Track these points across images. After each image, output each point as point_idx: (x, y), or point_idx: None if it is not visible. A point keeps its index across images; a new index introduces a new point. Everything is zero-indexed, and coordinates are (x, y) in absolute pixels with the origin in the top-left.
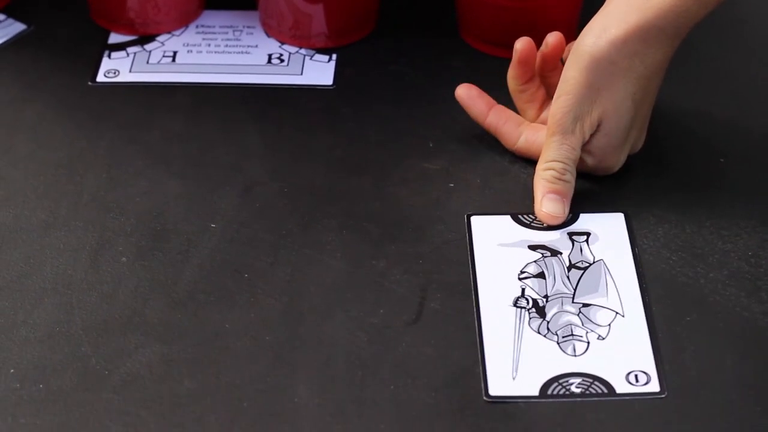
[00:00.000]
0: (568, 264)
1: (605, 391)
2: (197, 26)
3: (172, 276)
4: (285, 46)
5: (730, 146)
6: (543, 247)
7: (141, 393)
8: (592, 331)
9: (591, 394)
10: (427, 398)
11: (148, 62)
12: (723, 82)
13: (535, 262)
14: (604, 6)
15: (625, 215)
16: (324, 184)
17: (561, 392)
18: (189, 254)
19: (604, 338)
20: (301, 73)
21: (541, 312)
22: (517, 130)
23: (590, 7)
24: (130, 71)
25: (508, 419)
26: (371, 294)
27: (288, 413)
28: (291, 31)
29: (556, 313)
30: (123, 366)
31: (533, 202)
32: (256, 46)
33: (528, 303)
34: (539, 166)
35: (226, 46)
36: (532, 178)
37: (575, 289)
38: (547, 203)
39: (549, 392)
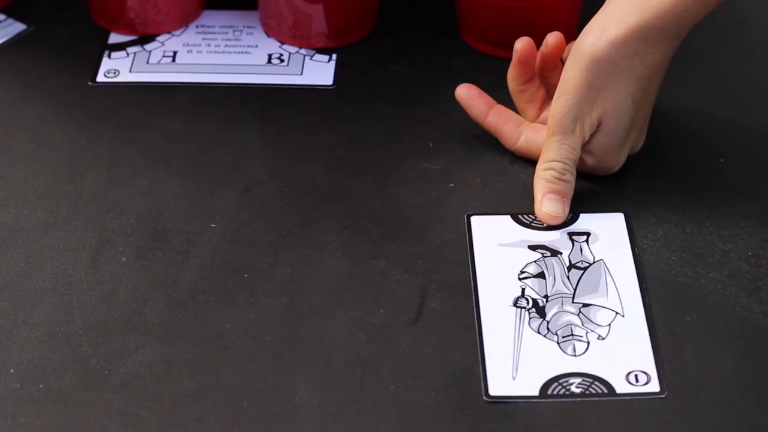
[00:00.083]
0: (568, 264)
1: (605, 391)
2: (197, 26)
3: (172, 276)
4: (285, 46)
5: (730, 146)
6: (543, 247)
7: (141, 393)
8: (592, 331)
9: (591, 394)
10: (427, 398)
11: (148, 62)
12: (723, 82)
13: (535, 262)
14: (604, 6)
15: (625, 215)
16: (324, 184)
17: (561, 392)
18: (189, 254)
19: (604, 338)
20: (301, 73)
21: (541, 312)
22: (517, 130)
23: (590, 7)
24: (130, 71)
25: (508, 419)
26: (371, 294)
27: (288, 413)
28: (291, 31)
29: (556, 313)
30: (123, 366)
31: (533, 202)
32: (256, 46)
33: (528, 303)
34: (539, 166)
35: (226, 46)
36: (532, 178)
37: (575, 289)
38: (547, 203)
39: (549, 392)
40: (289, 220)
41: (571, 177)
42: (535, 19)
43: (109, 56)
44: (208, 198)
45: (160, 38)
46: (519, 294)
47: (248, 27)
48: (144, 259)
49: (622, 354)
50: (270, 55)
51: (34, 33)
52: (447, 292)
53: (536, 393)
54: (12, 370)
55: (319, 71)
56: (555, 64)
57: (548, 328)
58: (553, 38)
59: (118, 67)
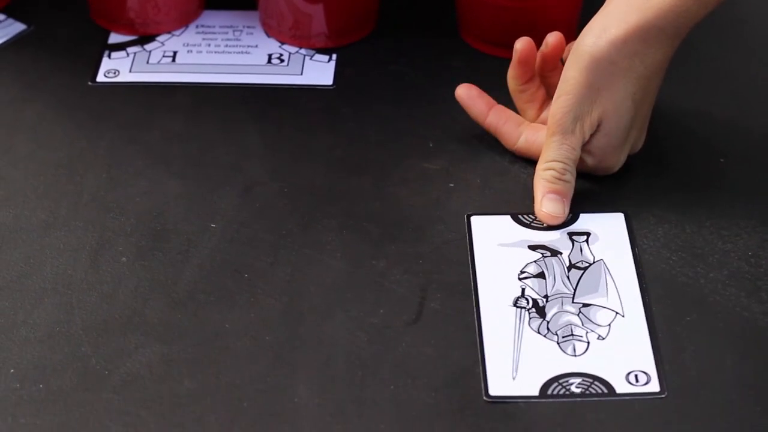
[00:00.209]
0: (568, 264)
1: (605, 391)
2: (197, 26)
3: (172, 276)
4: (285, 46)
5: (730, 146)
6: (543, 247)
7: (141, 393)
8: (592, 331)
9: (591, 394)
10: (427, 398)
11: (148, 62)
12: (723, 82)
13: (535, 262)
14: (604, 6)
15: (625, 215)
16: (324, 184)
17: (561, 392)
18: (189, 254)
19: (604, 338)
20: (301, 73)
21: (541, 312)
22: (517, 130)
23: (590, 7)
24: (130, 71)
25: (508, 419)
26: (371, 294)
27: (288, 413)
28: (291, 31)
29: (556, 313)
30: (123, 366)
31: (533, 202)
32: (256, 46)
33: (528, 303)
34: (539, 166)
35: (226, 46)
36: (532, 178)
37: (575, 289)
38: (547, 203)
39: (549, 392)
40: (289, 220)
41: (571, 177)
42: (535, 19)
43: (109, 56)
44: (208, 198)
45: (160, 38)
46: (519, 294)
47: (248, 27)
48: (144, 259)
49: (622, 354)
50: (270, 55)
51: (34, 33)
52: (447, 292)
53: (536, 393)
54: (12, 370)
55: (319, 71)
56: (555, 64)
57: (548, 328)
58: (553, 38)
59: (118, 67)
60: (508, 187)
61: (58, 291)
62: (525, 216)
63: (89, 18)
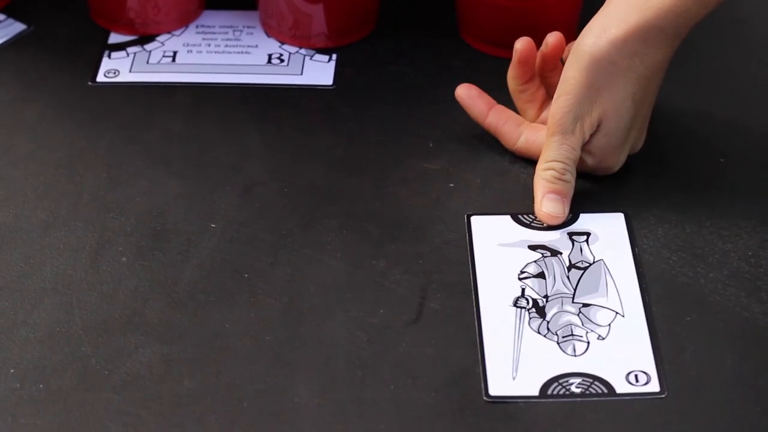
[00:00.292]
0: (568, 264)
1: (605, 391)
2: (197, 26)
3: (172, 276)
4: (285, 46)
5: (730, 146)
6: (543, 247)
7: (141, 393)
8: (592, 331)
9: (591, 394)
10: (427, 398)
11: (148, 62)
12: (723, 82)
13: (535, 262)
14: (604, 6)
15: (625, 215)
16: (324, 184)
17: (561, 392)
18: (189, 254)
19: (604, 338)
20: (301, 73)
21: (541, 312)
22: (517, 130)
23: (590, 7)
24: (130, 71)
25: (508, 419)
26: (371, 294)
27: (288, 413)
28: (291, 31)
29: (556, 313)
30: (123, 366)
31: (533, 202)
32: (256, 46)
33: (528, 303)
34: (539, 166)
35: (226, 46)
36: (532, 178)
37: (575, 289)
38: (547, 203)
39: (549, 392)
40: (289, 220)
41: (571, 177)
42: (535, 19)
43: (109, 56)
44: (208, 198)
45: (160, 38)
46: (519, 294)
47: (248, 27)
48: (144, 259)
49: (622, 354)
50: (270, 55)
51: (34, 33)
52: (447, 292)
53: (536, 393)
54: (12, 370)
55: (319, 71)
56: (555, 64)
57: (548, 328)
58: (553, 38)
59: (118, 67)
60: (508, 187)
61: (58, 291)
62: (525, 216)
63: (89, 18)
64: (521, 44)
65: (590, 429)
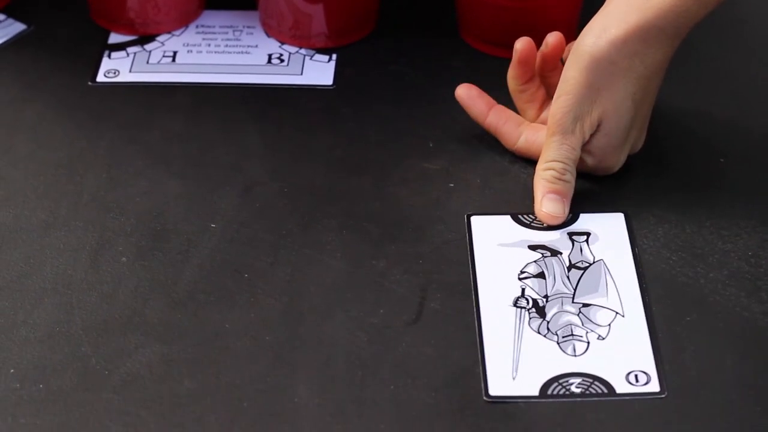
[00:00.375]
0: (568, 264)
1: (605, 391)
2: (197, 26)
3: (172, 276)
4: (285, 46)
5: (730, 146)
6: (543, 247)
7: (141, 393)
8: (592, 331)
9: (591, 394)
10: (427, 398)
11: (148, 62)
12: (723, 82)
13: (535, 262)
14: (604, 6)
15: (625, 215)
16: (324, 184)
17: (561, 392)
18: (189, 254)
19: (604, 338)
20: (301, 73)
21: (541, 312)
22: (517, 130)
23: (590, 7)
24: (130, 71)
25: (508, 419)
26: (371, 294)
27: (288, 413)
28: (291, 31)
29: (556, 313)
30: (123, 366)
31: (533, 202)
32: (256, 46)
33: (528, 303)
34: (539, 166)
35: (226, 46)
36: (532, 178)
37: (575, 289)
38: (547, 203)
39: (549, 392)
40: (289, 220)
41: (571, 177)
42: (535, 19)
43: (109, 56)
44: (208, 198)
45: (160, 38)
46: (519, 294)
47: (248, 27)
48: (144, 259)
49: (622, 354)
50: (270, 55)
51: (34, 33)
52: (447, 292)
53: (536, 393)
54: (12, 370)
55: (319, 71)
56: (555, 64)
57: (548, 328)
58: (553, 38)
59: (118, 67)
60: (508, 187)
61: (58, 291)
62: (525, 216)
63: (89, 18)
64: (521, 44)
65: (590, 429)
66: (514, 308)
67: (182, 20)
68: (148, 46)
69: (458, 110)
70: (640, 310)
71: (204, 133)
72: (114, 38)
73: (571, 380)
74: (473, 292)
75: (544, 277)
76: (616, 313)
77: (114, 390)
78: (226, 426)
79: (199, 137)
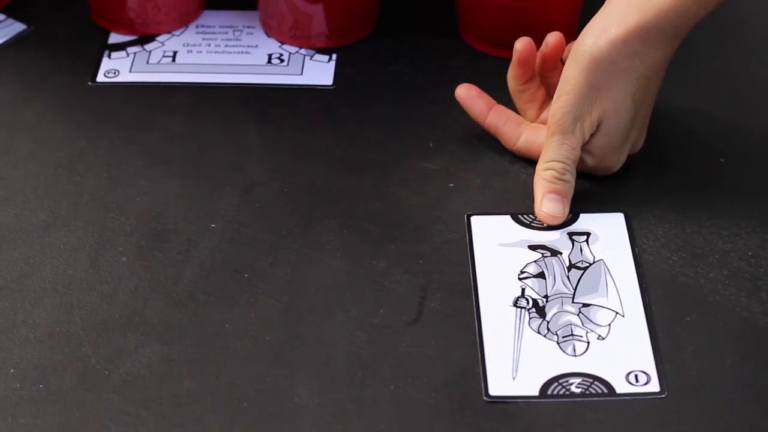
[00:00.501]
0: (568, 264)
1: (605, 391)
2: (197, 26)
3: (172, 276)
4: (285, 46)
5: (730, 146)
6: (543, 247)
7: (141, 393)
8: (592, 331)
9: (591, 394)
10: (427, 398)
11: (148, 62)
12: (723, 82)
13: (535, 262)
14: (604, 6)
15: (625, 215)
16: (324, 184)
17: (561, 392)
18: (189, 254)
19: (604, 338)
20: (301, 73)
21: (541, 312)
22: (517, 130)
23: (590, 7)
24: (130, 71)
25: (508, 419)
26: (371, 294)
27: (288, 413)
28: (291, 31)
29: (556, 313)
30: (123, 366)
31: (533, 202)
32: (256, 46)
33: (528, 303)
34: (539, 166)
35: (226, 46)
36: (532, 178)
37: (575, 289)
38: (547, 203)
39: (549, 392)
40: (289, 220)
41: (571, 177)
42: (535, 19)
43: (109, 56)
44: (208, 198)
45: (160, 38)
46: (519, 294)
47: (248, 27)
48: (144, 259)
49: (622, 354)
50: (270, 55)
51: (34, 33)
52: (447, 292)
53: (536, 393)
54: (12, 370)
55: (319, 71)
56: (555, 64)
57: (548, 328)
58: (553, 38)
59: (118, 67)
60: (508, 187)
61: (58, 291)
62: (525, 216)
63: (89, 18)
64: (521, 44)
65: (590, 429)
66: (514, 308)
67: (182, 20)
68: (148, 46)
69: (458, 110)
70: (640, 310)
71: (204, 133)
72: (114, 38)
73: (571, 380)
74: (473, 292)
75: (544, 277)
76: (616, 313)
77: (114, 390)
78: (226, 426)
79: (199, 137)
